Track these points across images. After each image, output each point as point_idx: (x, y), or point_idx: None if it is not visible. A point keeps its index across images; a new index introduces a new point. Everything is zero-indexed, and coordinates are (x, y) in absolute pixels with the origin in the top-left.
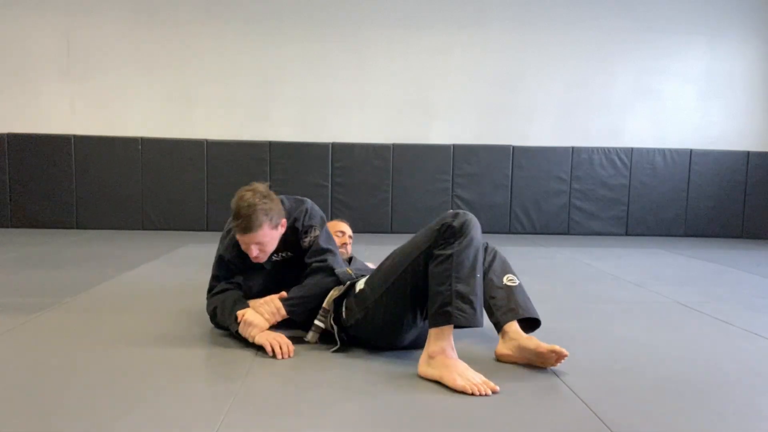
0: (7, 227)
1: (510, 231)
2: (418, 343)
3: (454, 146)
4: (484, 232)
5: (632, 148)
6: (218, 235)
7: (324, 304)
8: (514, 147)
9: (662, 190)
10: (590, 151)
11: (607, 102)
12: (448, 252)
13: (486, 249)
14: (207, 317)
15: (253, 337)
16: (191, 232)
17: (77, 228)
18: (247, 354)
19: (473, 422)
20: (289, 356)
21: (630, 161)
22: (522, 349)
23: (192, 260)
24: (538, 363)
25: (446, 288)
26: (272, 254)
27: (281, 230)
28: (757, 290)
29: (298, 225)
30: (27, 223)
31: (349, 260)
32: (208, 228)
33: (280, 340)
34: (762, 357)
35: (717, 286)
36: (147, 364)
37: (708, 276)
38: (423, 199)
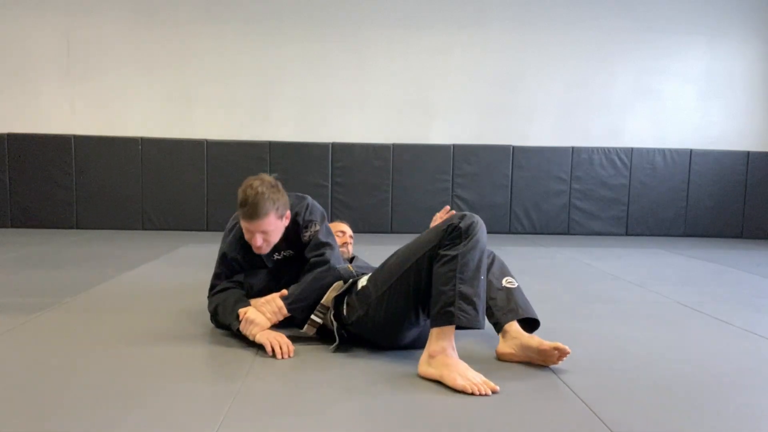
0: (7, 227)
1: (510, 231)
2: (419, 343)
3: (454, 146)
4: None
5: (632, 148)
6: (218, 235)
7: (323, 301)
8: (514, 147)
9: (662, 190)
10: (590, 151)
11: (607, 102)
12: (453, 253)
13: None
14: (207, 317)
15: (254, 336)
16: (191, 232)
17: (77, 228)
18: (248, 354)
19: (473, 422)
20: (289, 356)
21: (630, 161)
22: (524, 347)
23: (192, 260)
24: (539, 361)
25: (450, 288)
26: (273, 253)
27: (286, 222)
28: (757, 290)
29: (299, 219)
30: (27, 223)
31: (351, 260)
32: (208, 228)
33: (280, 340)
34: (762, 357)
35: (717, 286)
36: (147, 364)
37: (708, 276)
38: (423, 199)
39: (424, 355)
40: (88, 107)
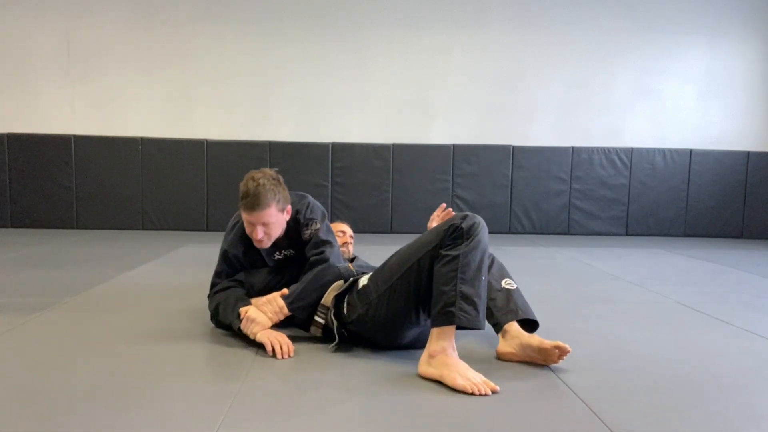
0: (7, 227)
1: (510, 231)
2: (419, 343)
3: (454, 146)
4: None
5: (632, 148)
6: (218, 235)
7: (323, 301)
8: (514, 147)
9: (662, 190)
10: (590, 151)
11: (607, 102)
12: (455, 253)
13: None
14: (207, 317)
15: (255, 335)
16: (191, 232)
17: (77, 228)
18: (248, 354)
19: (473, 422)
20: (289, 356)
21: (630, 161)
22: (524, 346)
23: (192, 260)
24: (540, 360)
25: (451, 288)
26: (275, 252)
27: (286, 217)
28: (757, 290)
29: (300, 217)
30: (27, 223)
31: (352, 260)
32: (208, 228)
33: (281, 340)
34: (762, 357)
35: (717, 286)
36: (147, 364)
37: (708, 276)
38: (423, 199)
39: (424, 354)
40: (88, 107)
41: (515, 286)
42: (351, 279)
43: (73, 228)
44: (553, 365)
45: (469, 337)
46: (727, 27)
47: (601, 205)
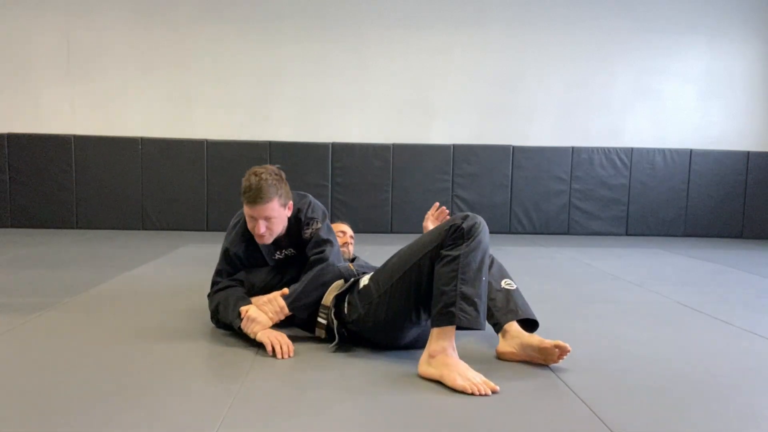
0: (7, 227)
1: (510, 231)
2: (419, 343)
3: (454, 146)
4: None
5: (632, 148)
6: (218, 235)
7: (323, 302)
8: (514, 147)
9: (662, 190)
10: (590, 151)
11: (607, 102)
12: (456, 253)
13: None
14: (207, 317)
15: (255, 334)
16: (191, 232)
17: (77, 228)
18: (248, 354)
19: (473, 422)
20: (289, 356)
21: (630, 161)
22: (525, 345)
23: (192, 260)
24: (540, 360)
25: (451, 289)
26: (275, 252)
27: (288, 212)
28: (757, 290)
29: (301, 216)
30: (27, 223)
31: (352, 260)
32: (208, 228)
33: (281, 339)
34: (762, 357)
35: (717, 286)
36: (147, 363)
37: (708, 276)
38: (423, 199)
39: (424, 354)
40: (88, 107)
41: (515, 287)
42: (352, 279)
43: (73, 228)
44: (553, 365)
45: (469, 337)
46: (727, 27)
47: (601, 205)
